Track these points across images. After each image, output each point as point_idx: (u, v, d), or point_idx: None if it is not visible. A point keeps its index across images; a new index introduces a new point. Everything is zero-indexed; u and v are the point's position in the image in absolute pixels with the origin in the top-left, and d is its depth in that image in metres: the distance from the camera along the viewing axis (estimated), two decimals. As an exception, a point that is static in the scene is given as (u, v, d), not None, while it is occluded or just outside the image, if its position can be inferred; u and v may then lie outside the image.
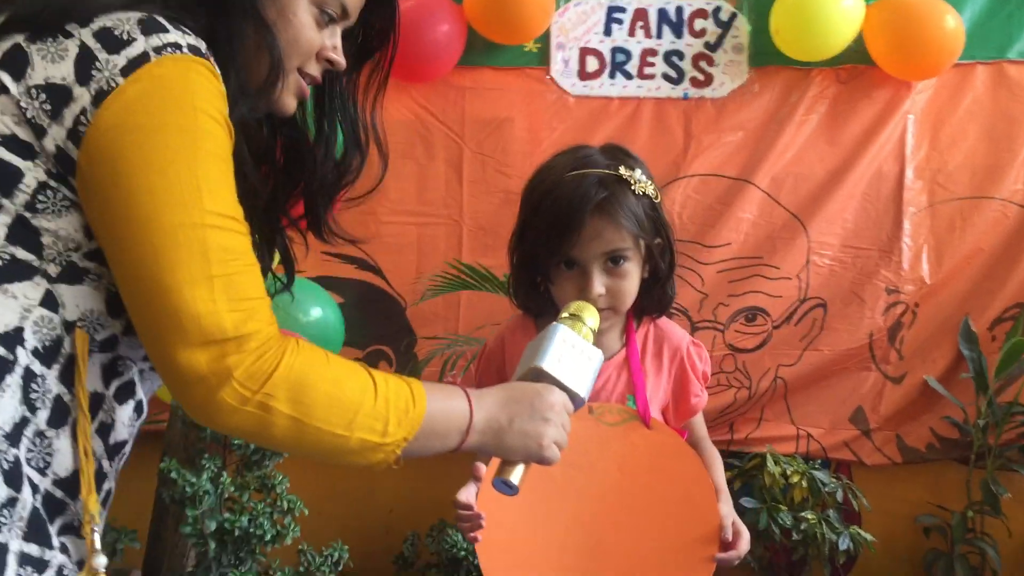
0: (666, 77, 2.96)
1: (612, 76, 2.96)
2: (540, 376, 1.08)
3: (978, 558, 2.87)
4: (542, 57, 2.95)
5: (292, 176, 1.18)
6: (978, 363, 2.84)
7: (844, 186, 2.93)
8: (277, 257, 1.24)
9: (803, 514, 2.72)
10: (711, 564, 1.26)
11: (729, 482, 2.87)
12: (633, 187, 1.30)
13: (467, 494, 1.29)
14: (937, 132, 2.94)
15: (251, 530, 2.23)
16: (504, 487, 1.05)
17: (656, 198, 1.35)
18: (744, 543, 1.29)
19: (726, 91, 2.95)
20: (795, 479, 2.77)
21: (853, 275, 2.95)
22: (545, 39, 2.93)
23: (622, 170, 1.30)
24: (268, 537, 2.25)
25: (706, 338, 2.96)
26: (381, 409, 0.94)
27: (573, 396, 1.09)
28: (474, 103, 2.95)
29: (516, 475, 1.04)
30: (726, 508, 1.32)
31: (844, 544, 2.69)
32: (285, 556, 2.47)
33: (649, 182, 1.33)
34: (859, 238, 2.95)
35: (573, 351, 1.11)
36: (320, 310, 2.75)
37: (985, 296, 2.93)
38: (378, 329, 2.97)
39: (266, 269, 1.18)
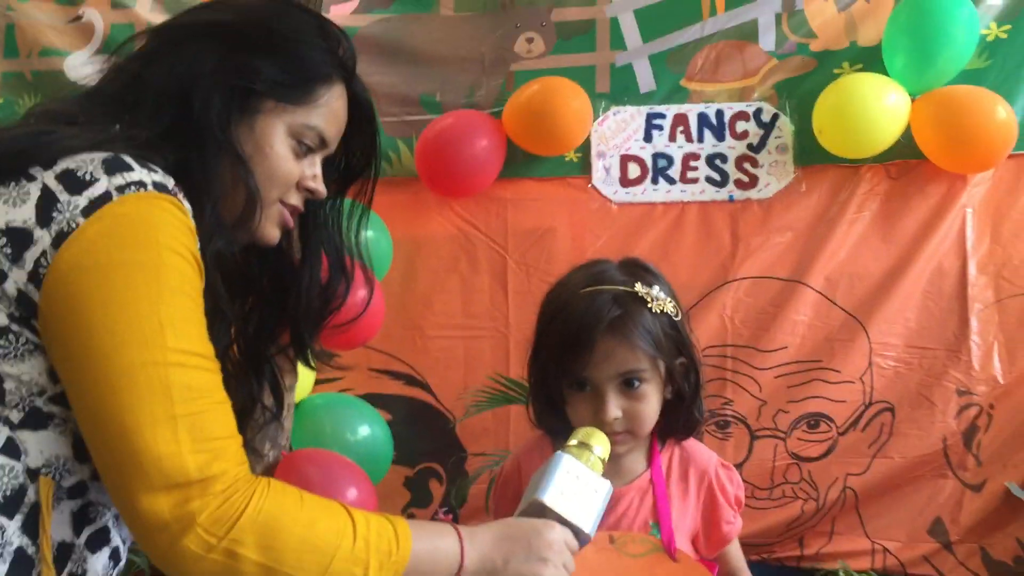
0: (710, 180, 2.92)
1: (655, 181, 2.94)
2: (542, 511, 1.02)
3: None
4: (583, 166, 2.94)
5: (278, 304, 1.16)
6: (1064, 467, 2.65)
7: (903, 284, 2.82)
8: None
9: (883, 637, 2.53)
10: None
11: (801, 603, 2.73)
12: (650, 305, 1.24)
13: None
14: (998, 225, 2.83)
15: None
16: None
17: (676, 316, 1.28)
18: None
19: (772, 192, 2.90)
20: (872, 598, 2.58)
21: (920, 376, 2.81)
22: (585, 148, 2.93)
23: (638, 287, 1.25)
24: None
25: (767, 447, 2.83)
26: (360, 553, 0.89)
27: (577, 532, 1.02)
28: (516, 214, 2.95)
29: None
30: None
31: (931, 670, 2.48)
32: None
33: (668, 299, 1.27)
34: (923, 338, 2.82)
35: (578, 483, 1.04)
36: (368, 428, 2.70)
37: (1063, 394, 2.76)
38: (427, 445, 2.91)
39: (255, 399, 1.15)
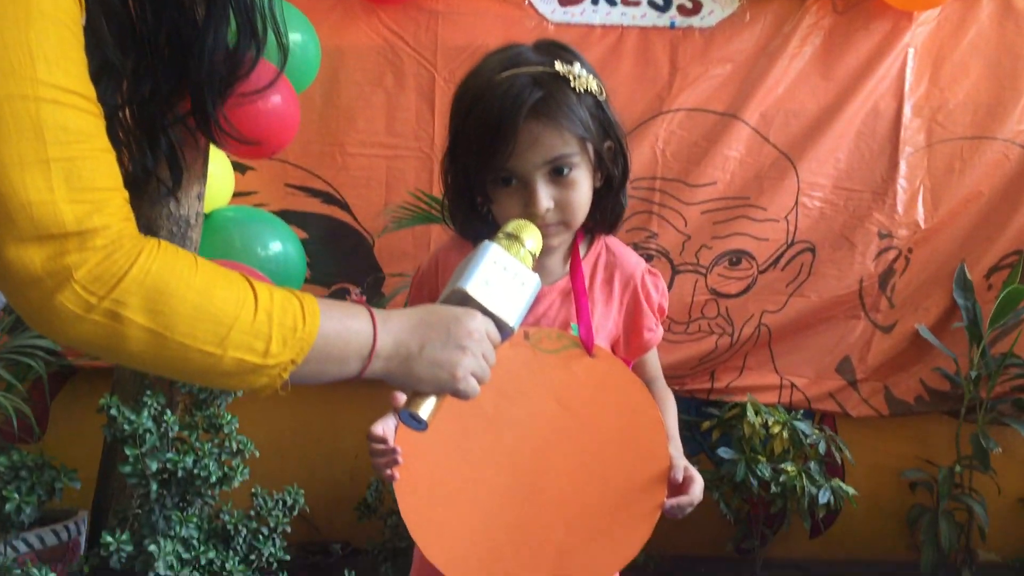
0: (652, 4, 2.78)
1: (595, 2, 2.79)
2: (464, 300, 0.94)
3: (965, 515, 2.76)
4: (520, -20, 2.77)
5: (176, 65, 1.02)
6: (972, 312, 2.70)
7: (838, 124, 2.77)
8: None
9: (783, 466, 2.60)
10: (657, 510, 1.12)
11: (707, 432, 2.79)
12: (573, 84, 1.14)
13: (383, 426, 1.16)
14: (938, 67, 2.78)
15: (196, 471, 2.11)
16: (411, 421, 0.92)
17: (601, 94, 1.18)
18: (697, 489, 1.14)
19: (715, 20, 2.78)
20: (776, 430, 2.64)
21: (844, 218, 2.81)
22: (524, -40, 2.76)
23: (558, 65, 1.14)
24: (214, 479, 2.13)
25: (688, 282, 2.82)
26: (262, 326, 0.81)
27: (500, 324, 0.95)
28: (447, 29, 2.78)
29: (425, 408, 0.91)
30: (676, 452, 1.18)
31: (825, 498, 2.57)
32: (238, 500, 2.36)
33: (591, 76, 1.17)
34: (852, 179, 2.80)
35: (504, 274, 0.96)
36: (280, 244, 2.60)
37: (982, 242, 2.79)
38: (343, 266, 2.84)
39: (148, 171, 1.03)
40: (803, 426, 2.67)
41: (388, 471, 1.13)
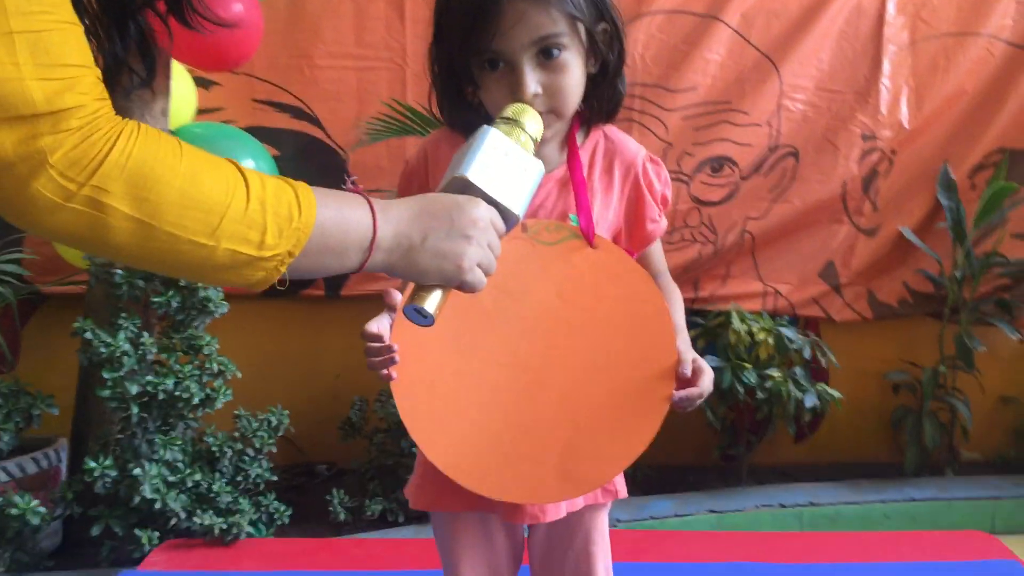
0: (628, -100, 2.67)
1: (569, -101, 2.67)
2: (466, 188, 0.88)
3: (948, 415, 2.78)
4: None
5: None
6: (956, 212, 2.68)
7: (820, 23, 2.70)
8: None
9: (768, 372, 2.60)
10: (666, 403, 1.08)
11: (692, 340, 2.76)
12: None
13: (378, 324, 1.10)
14: (923, -39, 2.70)
15: (177, 394, 2.06)
16: (416, 316, 0.86)
17: None
18: (707, 380, 1.10)
19: (694, -85, 2.68)
20: (761, 336, 2.63)
21: (827, 121, 2.76)
22: None
23: None
24: (196, 401, 2.08)
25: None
26: (256, 215, 0.74)
27: (504, 212, 0.89)
28: (416, -71, 2.67)
29: (431, 302, 0.85)
30: (684, 344, 1.14)
31: (810, 402, 2.58)
32: (222, 422, 2.32)
33: None
34: (834, 80, 2.74)
35: (506, 160, 0.90)
36: (252, 162, 2.51)
37: (966, 141, 2.76)
38: (316, 182, 2.70)
39: (119, 60, 0.95)
40: (788, 332, 2.66)
41: (385, 371, 1.08)
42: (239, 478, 2.23)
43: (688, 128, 2.74)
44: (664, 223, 1.22)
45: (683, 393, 1.09)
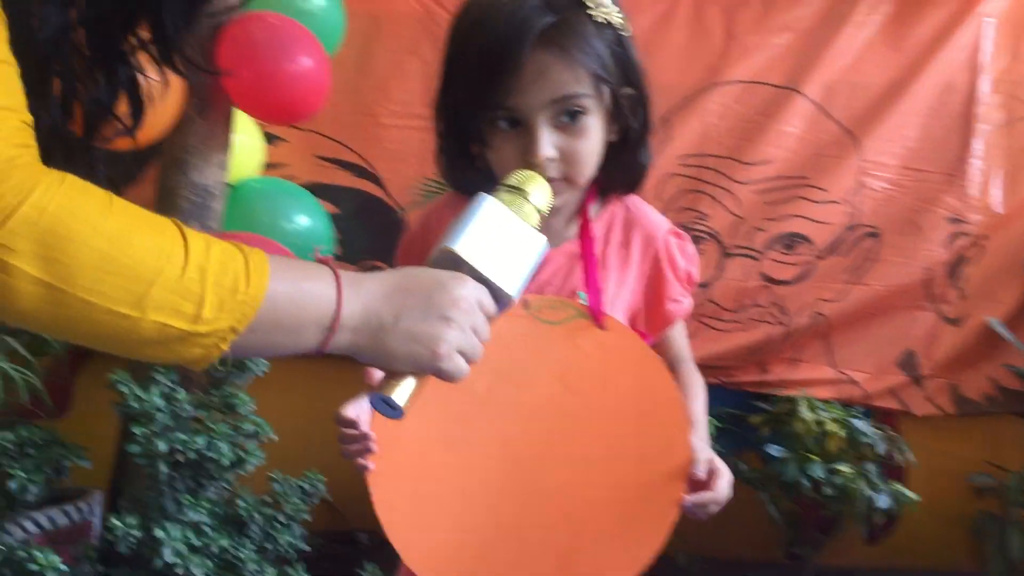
0: (707, -32, 2.60)
1: (645, -34, 2.61)
2: (454, 262, 0.79)
3: (1036, 525, 2.54)
4: (565, -57, 2.60)
5: None
6: (1051, 305, 2.48)
7: (906, 99, 2.57)
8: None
9: (838, 467, 2.42)
10: (675, 508, 0.96)
11: (756, 428, 2.61)
12: (592, 11, 0.97)
13: (355, 408, 1.01)
14: (1020, 38, 2.56)
15: (208, 454, 2.00)
16: (384, 407, 0.76)
17: (624, 31, 1.02)
18: (723, 485, 0.97)
19: (775, -15, 2.59)
20: (831, 428, 2.45)
21: (911, 201, 2.60)
22: (568, -79, 2.58)
23: None
24: (226, 462, 2.01)
25: (739, 266, 2.63)
26: (192, 284, 0.65)
27: (496, 292, 0.79)
28: (488, -6, 2.63)
29: (401, 392, 0.75)
30: (700, 442, 1.01)
31: (883, 502, 2.38)
32: (261, 486, 2.25)
33: (614, 7, 1.00)
34: (921, 159, 2.59)
35: (503, 232, 0.81)
36: (308, 219, 2.48)
37: (1064, 229, 2.56)
38: (373, 242, 2.69)
39: (104, 106, 0.89)
40: (861, 424, 2.48)
41: (361, 460, 0.98)
42: (268, 545, 2.14)
43: (760, 203, 2.62)
44: (688, 304, 1.11)
45: (695, 498, 0.97)
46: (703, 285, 2.63)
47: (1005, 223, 2.57)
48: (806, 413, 2.46)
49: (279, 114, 2.33)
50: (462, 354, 0.77)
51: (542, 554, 0.96)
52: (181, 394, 2.03)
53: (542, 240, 0.83)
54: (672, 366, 1.14)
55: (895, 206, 2.60)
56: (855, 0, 2.56)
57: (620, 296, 1.08)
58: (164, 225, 0.67)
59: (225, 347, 0.69)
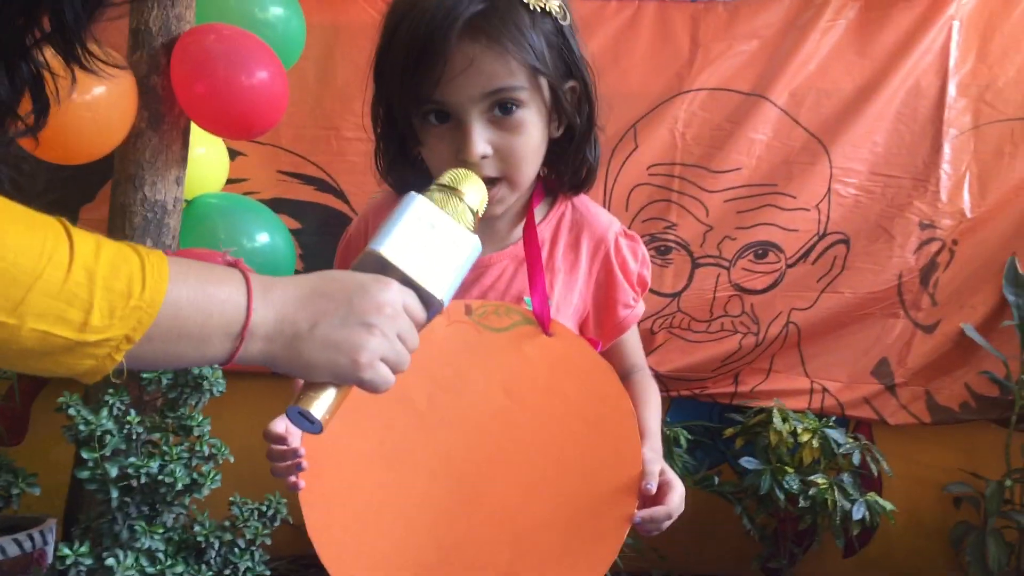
0: (671, -25, 2.57)
1: (609, -27, 2.58)
2: (380, 265, 0.74)
3: (1015, 534, 2.50)
4: (527, -51, 2.56)
5: None
6: (1024, 310, 2.45)
7: (874, 104, 2.53)
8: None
9: (813, 478, 2.37)
10: (626, 524, 0.91)
11: (730, 440, 2.56)
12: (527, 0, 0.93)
13: (284, 423, 0.96)
14: (987, 42, 2.53)
15: (161, 478, 1.93)
16: (301, 420, 0.71)
17: (564, 19, 0.97)
18: (675, 499, 0.92)
19: (740, -9, 2.56)
20: (805, 438, 2.41)
21: (882, 207, 2.56)
22: (531, -72, 2.54)
23: None
24: (180, 486, 1.94)
25: (709, 276, 2.59)
26: (78, 288, 0.59)
27: (425, 297, 0.75)
28: (450, 3, 2.58)
29: (320, 405, 0.70)
30: (651, 453, 0.96)
31: (859, 513, 2.34)
32: (219, 509, 2.18)
33: None
34: (890, 165, 2.56)
35: (432, 233, 0.76)
36: (268, 236, 2.42)
37: (1035, 233, 2.53)
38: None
39: (7, 105, 0.83)
40: (835, 434, 2.43)
41: (291, 478, 0.93)
42: (227, 571, 2.07)
43: (731, 211, 2.58)
44: (641, 308, 1.06)
45: (646, 513, 0.91)
46: (673, 295, 2.59)
47: (975, 227, 2.54)
48: (780, 424, 2.42)
49: (235, 128, 2.27)
50: (386, 363, 0.72)
51: (484, 574, 0.91)
52: (133, 416, 1.96)
53: (475, 241, 0.78)
54: (626, 374, 1.10)
55: (865, 212, 2.57)
56: (821, 5, 2.53)
57: (568, 300, 1.04)
58: (46, 223, 0.62)
59: (119, 358, 0.63)
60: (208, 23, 2.22)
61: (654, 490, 0.91)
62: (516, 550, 0.91)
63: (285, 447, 0.93)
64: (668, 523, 0.93)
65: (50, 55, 0.83)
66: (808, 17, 2.54)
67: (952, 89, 2.52)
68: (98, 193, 2.59)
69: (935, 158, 2.53)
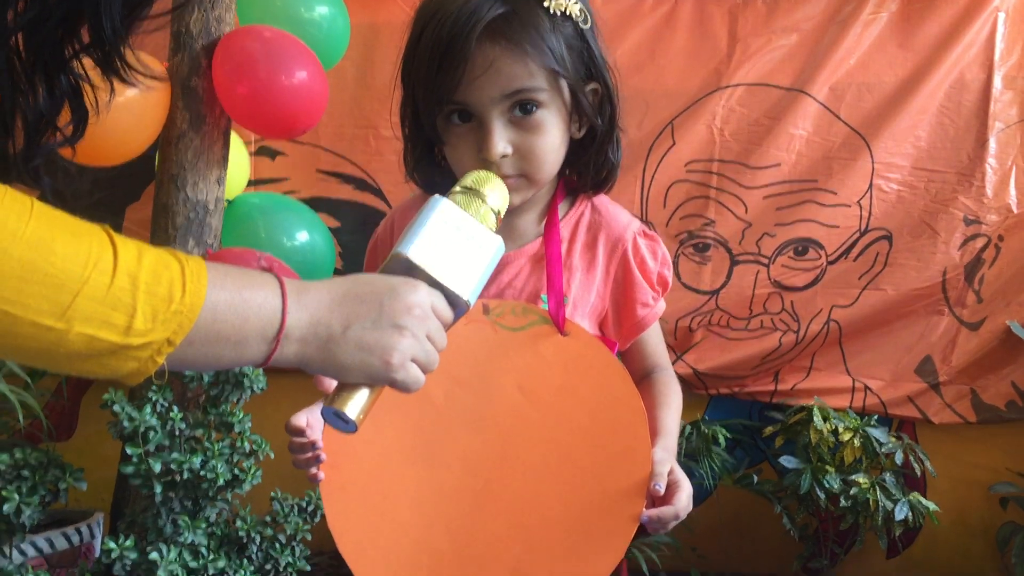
0: (709, -30, 2.55)
1: (646, -30, 2.57)
2: (408, 268, 0.75)
3: (1064, 535, 2.45)
4: (564, -53, 2.56)
5: None
6: (1073, 307, 2.40)
7: (917, 98, 2.49)
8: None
9: (854, 477, 2.35)
10: (633, 523, 0.91)
11: (770, 438, 2.54)
12: (547, 3, 0.94)
13: (307, 415, 0.97)
14: (1033, 32, 2.48)
15: (203, 473, 1.96)
16: (336, 420, 0.73)
17: (585, 23, 0.98)
18: (683, 500, 0.92)
19: (779, -15, 2.53)
20: (846, 437, 2.39)
21: (925, 202, 2.52)
22: (567, -74, 2.54)
23: None
24: (222, 482, 1.98)
25: (749, 273, 2.57)
26: (122, 294, 0.61)
27: (452, 298, 0.76)
28: (487, 2, 2.59)
29: (353, 405, 0.72)
30: (662, 453, 0.96)
31: (902, 513, 2.31)
32: (261, 504, 2.22)
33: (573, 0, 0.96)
34: (933, 159, 2.52)
35: (457, 235, 0.77)
36: (307, 234, 2.44)
37: (1084, 228, 2.48)
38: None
39: (45, 116, 0.85)
40: (878, 433, 2.40)
41: (312, 470, 0.95)
42: (268, 566, 2.10)
43: (770, 208, 2.56)
44: (661, 307, 1.07)
45: (654, 512, 0.92)
46: (712, 293, 2.58)
47: (1022, 223, 2.49)
48: (820, 422, 2.40)
49: (276, 128, 2.30)
50: (416, 363, 0.74)
51: (493, 568, 0.92)
52: (176, 413, 2.00)
53: (498, 242, 0.80)
54: (647, 373, 1.10)
55: (908, 208, 2.53)
56: (862, -1, 2.50)
57: (586, 300, 1.04)
58: (91, 231, 0.63)
59: (161, 360, 0.65)
60: (249, 25, 2.25)
61: (662, 491, 0.91)
62: (526, 546, 0.92)
63: (305, 439, 0.95)
64: (675, 522, 0.93)
65: (88, 66, 0.85)
66: (849, 11, 2.50)
67: (998, 82, 2.47)
68: (143, 192, 2.64)
69: (980, 152, 2.49)
